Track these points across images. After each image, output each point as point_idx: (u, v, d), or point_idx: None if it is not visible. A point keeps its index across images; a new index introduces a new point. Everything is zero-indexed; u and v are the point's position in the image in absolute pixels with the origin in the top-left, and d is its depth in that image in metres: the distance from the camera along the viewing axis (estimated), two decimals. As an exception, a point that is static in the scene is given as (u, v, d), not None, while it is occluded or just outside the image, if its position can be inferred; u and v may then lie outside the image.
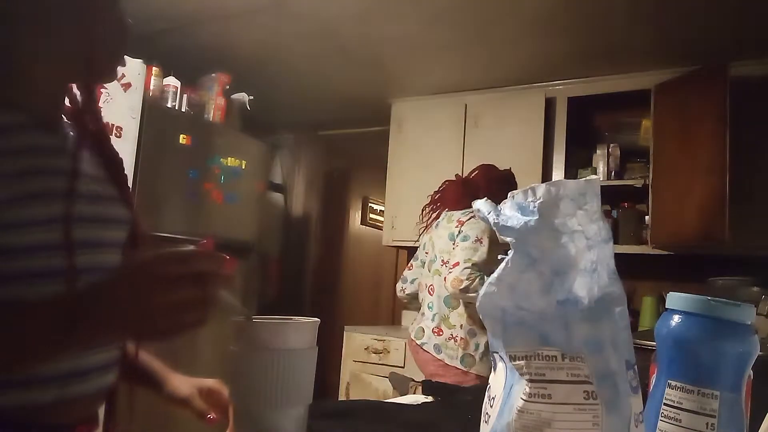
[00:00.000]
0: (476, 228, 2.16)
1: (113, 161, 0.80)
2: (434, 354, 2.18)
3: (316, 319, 0.59)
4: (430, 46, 2.97)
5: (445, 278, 2.14)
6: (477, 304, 0.51)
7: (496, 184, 2.29)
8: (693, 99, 2.67)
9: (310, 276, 4.52)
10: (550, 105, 3.24)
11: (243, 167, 3.08)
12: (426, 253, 2.38)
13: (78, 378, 0.70)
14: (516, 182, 2.37)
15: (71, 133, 0.77)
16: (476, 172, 2.40)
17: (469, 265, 2.08)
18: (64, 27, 0.71)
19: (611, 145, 3.12)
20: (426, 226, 2.45)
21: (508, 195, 0.52)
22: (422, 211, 2.48)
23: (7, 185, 0.63)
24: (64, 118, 0.78)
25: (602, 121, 3.32)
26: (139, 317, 0.53)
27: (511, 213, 0.50)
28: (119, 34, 0.76)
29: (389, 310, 4.43)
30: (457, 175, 2.49)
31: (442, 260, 2.24)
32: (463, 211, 2.27)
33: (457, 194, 2.36)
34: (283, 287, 4.28)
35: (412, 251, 2.61)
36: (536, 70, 3.17)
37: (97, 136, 0.79)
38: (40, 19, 0.70)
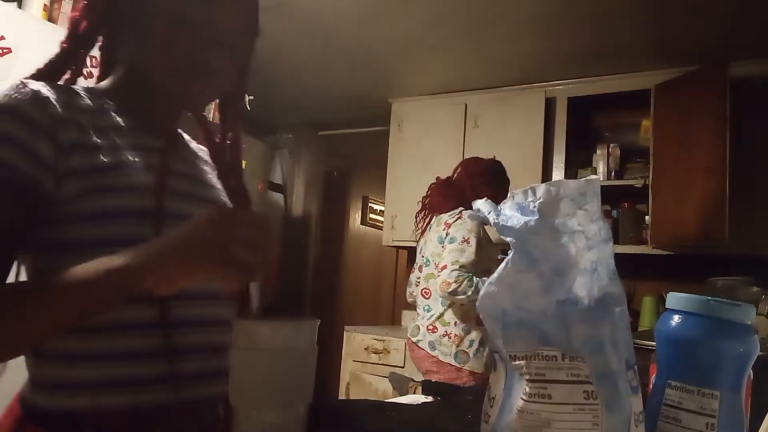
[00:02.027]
0: (462, 229, 2.17)
1: (241, 191, 0.89)
2: (429, 351, 2.20)
3: (316, 319, 0.59)
4: (430, 46, 2.97)
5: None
6: (477, 304, 0.51)
7: (479, 177, 2.29)
8: (693, 99, 2.67)
9: (310, 276, 4.52)
10: (550, 105, 3.24)
11: (243, 167, 3.07)
12: (422, 256, 2.40)
13: (193, 381, 0.71)
14: (503, 169, 2.36)
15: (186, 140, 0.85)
16: (458, 170, 2.40)
17: (457, 267, 2.09)
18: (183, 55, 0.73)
19: (611, 145, 3.12)
20: (422, 232, 2.46)
21: (508, 195, 0.52)
22: (416, 217, 2.50)
23: (106, 177, 0.67)
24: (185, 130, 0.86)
25: (602, 121, 3.32)
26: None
27: (511, 213, 0.50)
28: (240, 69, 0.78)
29: (389, 310, 4.43)
30: (438, 177, 2.48)
31: (435, 263, 2.26)
32: (450, 213, 2.28)
33: (441, 196, 2.36)
34: (283, 287, 4.28)
35: (412, 251, 2.62)
36: (536, 70, 3.16)
37: (231, 161, 0.88)
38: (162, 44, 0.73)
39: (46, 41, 2.02)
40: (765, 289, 2.31)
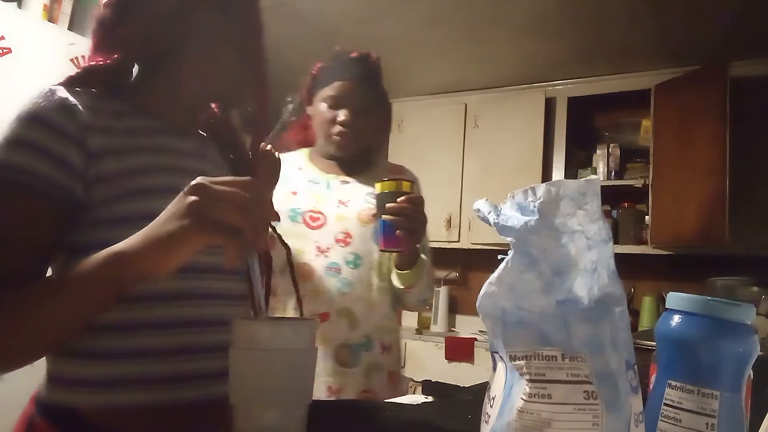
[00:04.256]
0: None
1: (246, 166, 0.90)
2: None
3: (317, 319, 0.59)
4: (430, 46, 2.97)
5: None
6: (477, 303, 0.51)
7: None
8: (693, 99, 2.67)
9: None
10: (550, 105, 3.24)
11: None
12: None
13: (208, 380, 0.71)
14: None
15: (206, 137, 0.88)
16: None
17: None
18: (205, 58, 0.77)
19: (611, 145, 3.12)
20: None
21: (508, 194, 0.52)
22: None
23: (138, 179, 0.68)
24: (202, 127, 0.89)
25: (602, 121, 3.32)
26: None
27: (511, 213, 0.50)
28: (252, 68, 0.81)
29: (389, 310, 4.42)
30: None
31: None
32: None
33: None
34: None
35: (412, 251, 2.61)
36: (536, 70, 3.17)
37: (232, 144, 0.92)
38: (186, 49, 0.76)
39: (46, 41, 2.03)
40: (765, 289, 2.31)
